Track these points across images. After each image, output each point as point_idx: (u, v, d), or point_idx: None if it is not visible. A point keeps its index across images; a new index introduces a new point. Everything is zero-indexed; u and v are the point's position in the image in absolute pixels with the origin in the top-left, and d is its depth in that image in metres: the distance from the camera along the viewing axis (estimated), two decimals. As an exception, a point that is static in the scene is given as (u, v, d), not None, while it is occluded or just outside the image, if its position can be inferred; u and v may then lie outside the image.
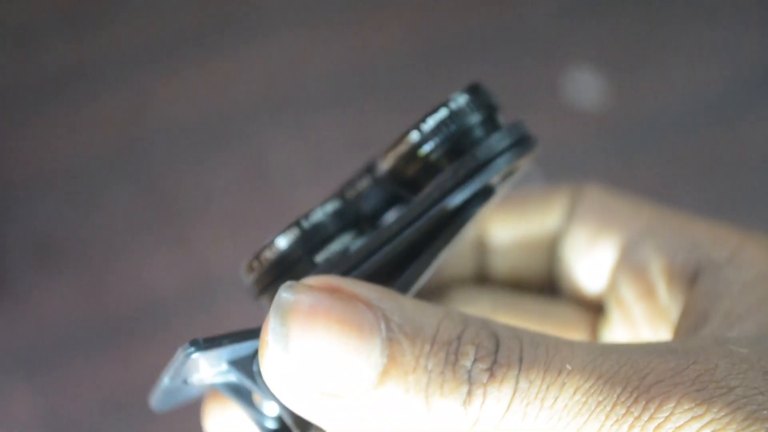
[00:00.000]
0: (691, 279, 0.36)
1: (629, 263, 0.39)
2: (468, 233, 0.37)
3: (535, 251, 0.42)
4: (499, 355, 0.29)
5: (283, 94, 0.89)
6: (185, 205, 0.85)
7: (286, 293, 0.29)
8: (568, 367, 0.29)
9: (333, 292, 0.30)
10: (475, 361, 0.29)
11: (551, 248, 0.42)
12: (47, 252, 0.84)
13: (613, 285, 0.40)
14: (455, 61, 0.90)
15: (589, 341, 0.31)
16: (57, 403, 0.81)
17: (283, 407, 0.32)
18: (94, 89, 0.88)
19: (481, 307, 0.42)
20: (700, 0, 0.91)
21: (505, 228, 0.42)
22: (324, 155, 0.87)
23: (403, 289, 0.33)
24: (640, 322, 0.39)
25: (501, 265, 0.43)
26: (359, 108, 0.88)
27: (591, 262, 0.40)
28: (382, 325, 0.29)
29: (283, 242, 0.33)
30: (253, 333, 0.32)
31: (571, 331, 0.42)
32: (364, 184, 0.37)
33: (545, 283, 0.44)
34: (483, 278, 0.44)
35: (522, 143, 0.34)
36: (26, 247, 0.84)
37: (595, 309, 0.42)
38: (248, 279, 0.34)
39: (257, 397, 0.34)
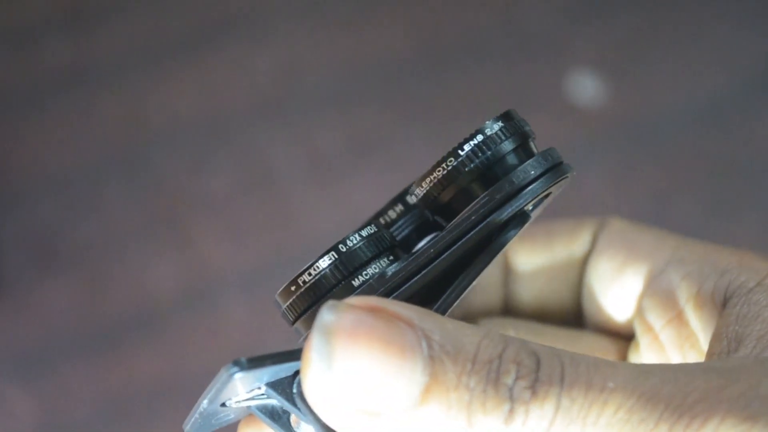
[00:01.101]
0: (721, 304, 0.37)
1: (657, 290, 0.39)
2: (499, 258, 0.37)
3: (560, 282, 0.43)
4: (540, 374, 0.29)
5: (283, 95, 0.89)
6: (185, 206, 0.85)
7: (329, 312, 0.30)
8: (611, 385, 0.29)
9: (375, 311, 0.30)
10: (516, 379, 0.29)
11: (577, 279, 0.43)
12: (46, 253, 0.84)
13: (640, 312, 0.40)
14: (456, 62, 0.90)
15: (629, 363, 0.31)
16: (56, 404, 0.81)
17: (322, 429, 0.32)
18: (94, 90, 0.88)
19: (514, 332, 0.43)
20: (700, 1, 0.91)
21: (531, 259, 0.43)
22: (324, 156, 0.87)
23: (441, 312, 0.34)
24: (669, 348, 0.39)
25: (527, 295, 0.44)
26: (359, 109, 0.88)
27: (618, 290, 0.41)
28: (424, 344, 0.29)
29: (321, 266, 0.34)
30: (294, 354, 0.32)
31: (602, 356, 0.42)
32: (397, 210, 0.38)
33: (570, 314, 0.44)
34: (508, 309, 0.44)
35: (556, 169, 0.35)
36: (25, 248, 0.84)
37: (622, 338, 0.43)
38: (285, 304, 0.35)
39: (294, 420, 0.34)
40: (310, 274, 0.34)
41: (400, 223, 0.38)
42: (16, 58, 0.89)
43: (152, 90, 0.88)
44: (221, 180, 0.86)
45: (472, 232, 0.34)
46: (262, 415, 0.34)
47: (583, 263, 0.42)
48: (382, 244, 0.34)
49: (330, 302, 0.30)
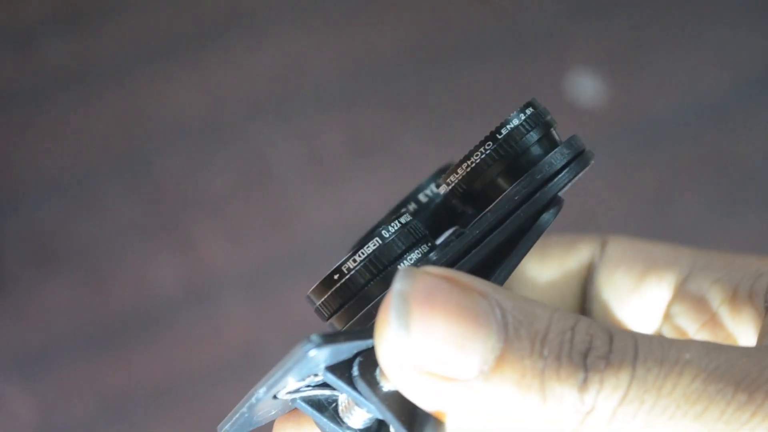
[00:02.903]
0: (762, 304, 0.37)
1: (686, 296, 0.39)
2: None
3: (558, 298, 0.43)
4: (614, 346, 0.29)
5: (283, 95, 0.89)
6: (185, 206, 0.85)
7: (405, 278, 0.30)
8: (686, 356, 0.29)
9: (449, 280, 0.30)
10: (591, 349, 0.29)
11: (578, 293, 0.43)
12: (46, 253, 0.84)
13: (669, 318, 0.40)
14: (456, 63, 0.90)
15: (698, 340, 0.31)
16: (56, 404, 0.81)
17: (385, 411, 0.32)
18: (94, 90, 0.88)
19: None
20: (700, 2, 0.91)
21: (526, 274, 0.42)
22: (324, 155, 0.87)
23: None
24: None
25: None
26: (359, 109, 0.88)
27: (640, 300, 0.41)
28: (498, 312, 0.29)
29: (360, 258, 0.34)
30: (364, 333, 0.32)
31: None
32: (410, 209, 0.38)
33: None
34: None
35: (583, 155, 0.36)
36: (25, 247, 0.84)
37: None
38: (320, 299, 0.34)
39: (343, 408, 0.34)
40: (353, 262, 0.34)
41: (418, 217, 0.38)
42: (16, 58, 0.89)
43: (152, 90, 0.88)
44: (221, 180, 0.86)
45: (516, 212, 0.34)
46: (309, 407, 0.34)
47: (585, 278, 0.42)
48: (419, 233, 0.35)
49: (405, 268, 0.30)
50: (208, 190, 0.86)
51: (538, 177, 0.34)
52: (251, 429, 0.34)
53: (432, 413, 0.30)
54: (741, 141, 0.88)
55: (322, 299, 0.34)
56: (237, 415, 0.33)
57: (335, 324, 0.35)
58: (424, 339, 0.29)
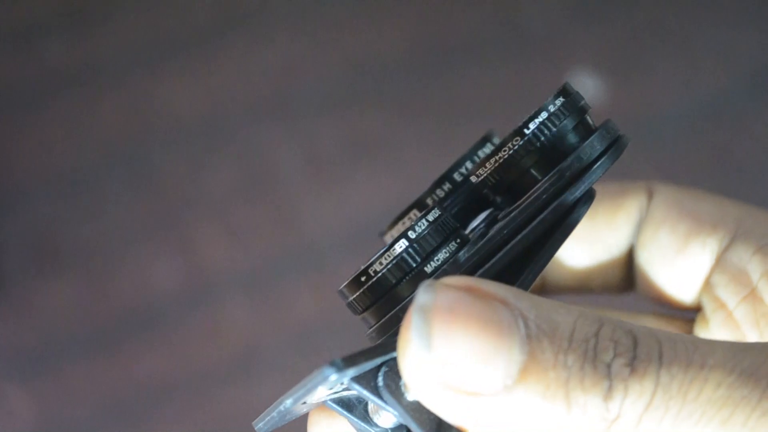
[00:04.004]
0: None
1: (727, 266, 0.38)
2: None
3: (604, 254, 0.42)
4: (638, 351, 0.29)
5: (283, 95, 0.89)
6: (185, 206, 0.85)
7: (426, 292, 0.30)
8: (711, 362, 0.29)
9: (471, 291, 0.30)
10: (614, 356, 0.29)
11: (624, 250, 0.42)
12: (46, 253, 0.84)
13: (709, 288, 0.39)
14: (456, 63, 0.90)
15: (724, 341, 0.31)
16: (56, 404, 0.81)
17: (410, 420, 0.32)
18: (94, 90, 0.88)
19: None
20: (700, 2, 0.91)
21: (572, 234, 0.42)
22: (324, 156, 0.87)
23: (524, 288, 0.34)
24: (744, 326, 0.38)
25: (565, 270, 0.43)
26: (359, 109, 0.88)
27: (682, 265, 0.40)
28: (520, 323, 0.29)
29: (391, 256, 0.33)
30: (384, 348, 0.32)
31: None
32: (445, 189, 0.37)
33: (615, 288, 0.43)
34: (546, 287, 0.43)
35: (619, 142, 0.35)
36: (25, 248, 0.84)
37: (679, 318, 0.42)
38: (351, 296, 0.34)
39: (372, 409, 0.34)
40: (380, 264, 0.34)
41: (449, 201, 0.37)
42: (16, 58, 0.89)
43: (153, 90, 0.88)
44: (221, 180, 0.86)
45: (545, 212, 0.33)
46: (338, 407, 0.34)
47: (632, 234, 0.41)
48: (448, 228, 0.34)
49: (427, 282, 0.30)
50: (208, 190, 0.86)
51: (574, 167, 0.33)
52: (286, 422, 0.35)
53: (456, 426, 0.30)
54: (741, 141, 0.88)
55: (353, 297, 0.34)
56: (268, 417, 0.33)
57: (368, 318, 0.35)
58: (446, 355, 0.29)
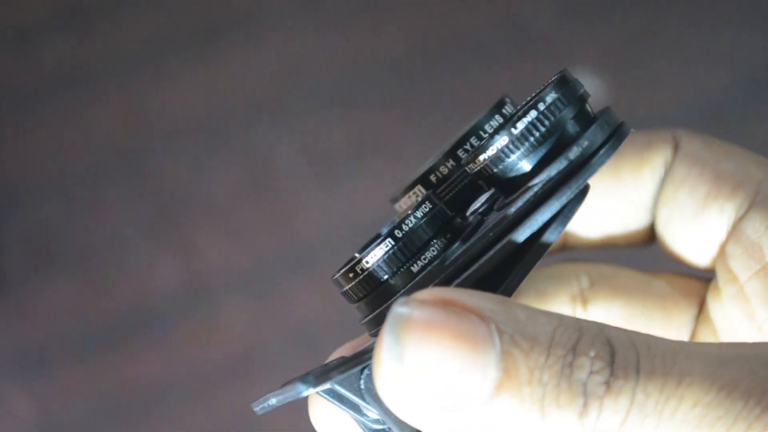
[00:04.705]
0: None
1: (741, 237, 0.38)
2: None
3: (628, 211, 0.41)
4: (615, 367, 0.29)
5: (283, 95, 0.89)
6: (185, 207, 0.85)
7: (399, 309, 0.29)
8: (687, 380, 0.28)
9: (445, 305, 0.29)
10: (590, 373, 0.29)
11: (648, 208, 0.41)
12: (46, 253, 0.84)
13: (723, 257, 0.38)
14: (456, 62, 0.89)
15: (708, 348, 0.30)
16: (56, 404, 0.81)
17: (392, 422, 0.32)
18: (94, 90, 0.88)
19: (588, 277, 0.41)
20: (700, 2, 0.91)
21: (595, 184, 0.39)
22: (324, 156, 0.87)
23: (509, 291, 0.33)
24: (754, 301, 0.37)
25: (589, 226, 0.42)
26: (359, 109, 0.88)
27: (699, 230, 0.39)
28: (496, 339, 0.29)
29: (378, 254, 0.33)
30: (359, 357, 0.32)
31: (677, 306, 0.41)
32: (449, 166, 0.36)
33: (638, 243, 0.42)
34: (567, 243, 0.42)
35: (619, 132, 0.34)
36: (25, 247, 0.84)
37: (702, 279, 0.41)
38: (344, 287, 0.34)
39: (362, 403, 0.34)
40: (367, 262, 0.33)
41: (452, 179, 0.36)
42: (16, 58, 0.89)
43: (153, 90, 0.88)
44: (221, 180, 0.86)
45: (538, 211, 0.32)
46: (330, 398, 0.34)
47: (656, 189, 0.40)
48: (438, 223, 0.34)
49: (401, 299, 0.30)
50: (208, 191, 0.86)
51: (569, 165, 0.32)
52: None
53: None
54: (741, 141, 0.87)
55: (347, 287, 0.34)
56: (260, 406, 0.34)
57: (362, 308, 0.35)
58: (420, 373, 0.29)
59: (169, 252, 0.84)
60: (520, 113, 0.33)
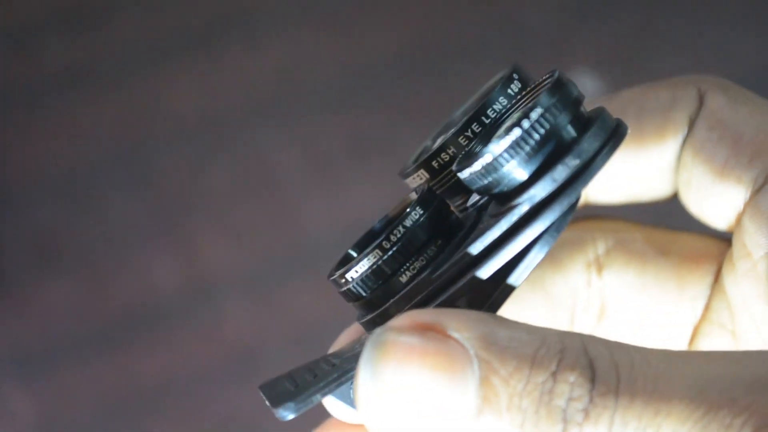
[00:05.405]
0: None
1: (757, 211, 0.37)
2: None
3: (651, 170, 0.40)
4: (594, 393, 0.29)
5: (283, 96, 0.89)
6: (186, 206, 0.85)
7: (378, 337, 0.29)
8: (666, 407, 0.28)
9: (423, 331, 0.29)
10: (570, 399, 0.29)
11: (671, 165, 0.39)
12: (46, 253, 0.84)
13: (740, 229, 0.37)
14: (456, 63, 0.90)
15: (691, 366, 0.29)
16: (56, 404, 0.81)
17: None
18: (94, 90, 0.88)
19: (604, 243, 0.41)
20: (700, 3, 0.91)
21: (619, 150, 0.37)
22: (323, 156, 0.87)
23: (496, 306, 0.32)
24: (766, 281, 0.36)
25: (609, 183, 0.40)
26: (359, 109, 0.88)
27: (717, 200, 0.38)
28: (475, 365, 0.29)
29: (365, 265, 0.33)
30: (341, 377, 0.32)
31: (692, 274, 0.40)
32: (450, 153, 0.35)
33: (661, 197, 0.41)
34: (585, 203, 0.42)
35: (616, 134, 0.32)
36: (25, 247, 0.84)
37: (724, 242, 0.40)
38: (338, 289, 0.34)
39: None
40: (355, 272, 0.33)
41: (452, 167, 0.34)
42: (16, 58, 0.89)
43: (152, 90, 0.88)
44: (221, 180, 0.86)
45: (534, 221, 0.31)
46: (338, 400, 0.34)
47: (679, 149, 0.39)
48: (429, 230, 0.33)
49: (377, 330, 0.30)
50: (208, 191, 0.86)
51: (566, 174, 0.31)
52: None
53: None
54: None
55: (345, 288, 0.34)
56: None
57: (359, 309, 0.34)
58: (399, 401, 0.29)
59: (169, 252, 0.84)
60: (512, 122, 0.31)
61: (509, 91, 0.35)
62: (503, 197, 0.32)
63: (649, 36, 0.91)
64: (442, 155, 0.35)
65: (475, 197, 0.34)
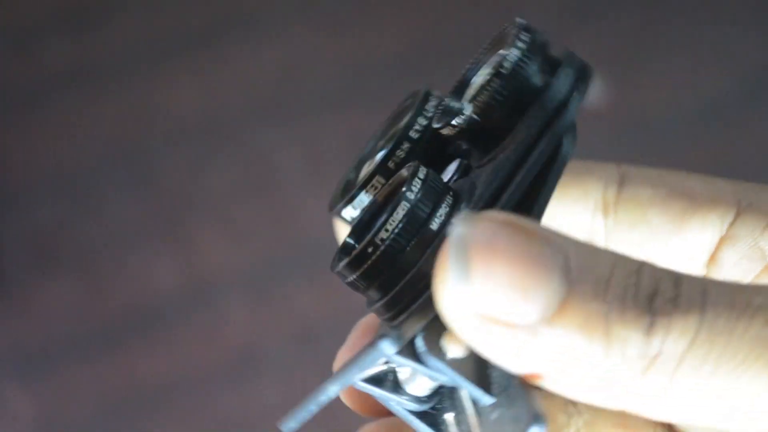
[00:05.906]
0: None
1: (736, 242, 0.37)
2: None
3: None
4: (682, 289, 0.28)
5: (283, 96, 0.89)
6: (186, 206, 0.85)
7: (463, 225, 0.29)
8: (757, 300, 0.28)
9: (509, 224, 0.29)
10: (657, 292, 0.28)
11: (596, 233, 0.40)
12: (46, 253, 0.84)
13: (716, 266, 0.38)
14: (455, 62, 0.89)
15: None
16: (56, 404, 0.81)
17: (459, 377, 0.31)
18: (95, 90, 0.88)
19: (610, 184, 0.41)
20: (700, 3, 0.91)
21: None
22: (323, 156, 0.87)
23: (539, 218, 0.33)
24: None
25: None
26: (359, 109, 0.88)
27: (680, 246, 0.38)
28: (560, 258, 0.29)
29: (393, 223, 0.33)
30: (423, 312, 0.32)
31: (709, 210, 0.40)
32: (404, 149, 0.36)
33: None
34: None
35: (587, 69, 0.34)
36: (25, 248, 0.84)
37: (737, 183, 0.40)
38: (357, 270, 0.33)
39: (404, 376, 0.34)
40: (386, 231, 0.33)
41: (410, 161, 0.35)
42: (17, 58, 0.89)
43: (153, 90, 0.88)
44: (221, 180, 0.86)
45: (539, 147, 0.32)
46: (368, 385, 0.34)
47: (597, 218, 0.40)
48: (439, 184, 0.33)
49: (463, 214, 0.30)
50: (208, 191, 0.86)
51: (551, 105, 0.33)
52: (309, 417, 0.34)
53: (517, 376, 0.30)
54: (741, 140, 0.88)
55: (357, 273, 0.33)
56: (304, 413, 0.33)
57: (372, 294, 0.34)
58: (486, 285, 0.28)
59: (169, 252, 0.84)
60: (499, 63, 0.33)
61: (425, 112, 0.36)
62: (486, 141, 0.33)
63: (649, 36, 0.91)
64: (398, 153, 0.36)
65: (447, 175, 0.35)
